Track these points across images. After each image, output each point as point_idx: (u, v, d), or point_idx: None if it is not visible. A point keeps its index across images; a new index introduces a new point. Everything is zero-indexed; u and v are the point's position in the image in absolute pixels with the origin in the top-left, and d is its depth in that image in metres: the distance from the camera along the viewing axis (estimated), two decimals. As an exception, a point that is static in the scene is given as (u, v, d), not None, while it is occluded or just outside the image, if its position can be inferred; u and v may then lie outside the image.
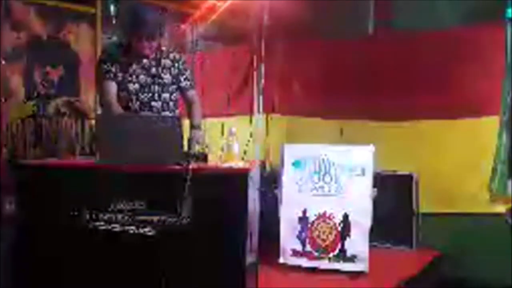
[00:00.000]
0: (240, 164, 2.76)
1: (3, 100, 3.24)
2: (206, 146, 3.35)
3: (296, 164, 3.60)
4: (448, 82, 4.10)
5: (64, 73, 3.61)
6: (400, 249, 4.07)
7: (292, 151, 3.65)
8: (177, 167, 2.55)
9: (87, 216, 2.58)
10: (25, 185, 2.69)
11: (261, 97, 5.03)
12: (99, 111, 3.79)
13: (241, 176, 2.56)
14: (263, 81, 5.01)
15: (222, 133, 4.23)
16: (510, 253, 3.69)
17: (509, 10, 3.87)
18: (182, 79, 3.39)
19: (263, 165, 4.51)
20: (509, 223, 3.87)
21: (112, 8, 3.78)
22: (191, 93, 3.48)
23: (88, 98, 3.73)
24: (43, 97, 3.48)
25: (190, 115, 3.44)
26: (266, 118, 5.03)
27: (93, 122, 3.69)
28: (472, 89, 4.04)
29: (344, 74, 4.43)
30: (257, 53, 4.96)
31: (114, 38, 3.86)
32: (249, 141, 4.58)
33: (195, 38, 4.49)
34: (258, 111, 5.02)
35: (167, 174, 2.57)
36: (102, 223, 2.57)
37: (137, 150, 2.57)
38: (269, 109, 5.01)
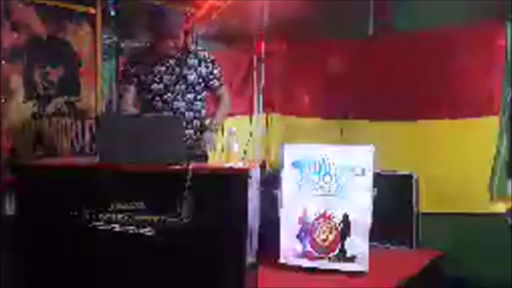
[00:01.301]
0: (240, 164, 2.76)
1: (3, 100, 3.23)
2: (207, 146, 3.36)
3: (296, 164, 3.60)
4: (448, 82, 4.10)
5: (64, 73, 3.60)
6: (400, 249, 4.08)
7: (292, 151, 3.64)
8: (177, 167, 2.55)
9: (87, 216, 2.58)
10: (25, 185, 2.69)
11: (261, 97, 5.03)
12: (99, 111, 3.79)
13: (241, 176, 2.56)
14: (263, 81, 5.01)
15: (222, 133, 4.22)
16: (510, 253, 3.69)
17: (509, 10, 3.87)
18: (210, 77, 3.36)
19: (263, 165, 4.50)
20: (509, 223, 3.87)
21: (111, 8, 3.78)
22: (220, 92, 3.44)
23: (88, 98, 3.72)
24: (43, 97, 3.48)
25: (214, 114, 3.42)
26: (266, 118, 5.03)
27: (93, 122, 3.69)
28: (472, 89, 4.05)
29: (344, 74, 4.43)
30: (257, 53, 4.96)
31: (114, 38, 3.86)
32: (249, 141, 4.59)
33: (195, 38, 4.48)
34: (258, 111, 5.02)
35: (167, 174, 2.57)
36: (102, 223, 2.57)
37: (137, 150, 2.57)
38: (269, 109, 5.02)
